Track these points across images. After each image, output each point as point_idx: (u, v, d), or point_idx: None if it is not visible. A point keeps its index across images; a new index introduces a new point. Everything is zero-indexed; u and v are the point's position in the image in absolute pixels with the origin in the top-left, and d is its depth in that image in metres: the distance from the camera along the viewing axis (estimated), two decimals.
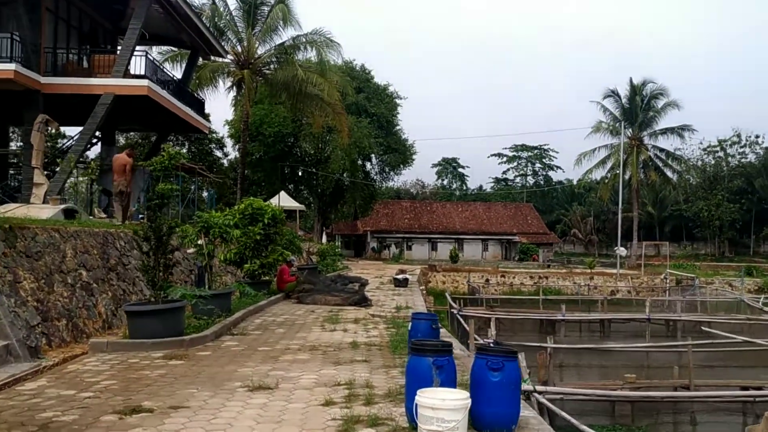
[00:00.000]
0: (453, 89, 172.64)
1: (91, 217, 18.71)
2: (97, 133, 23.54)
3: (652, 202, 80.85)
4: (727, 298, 34.75)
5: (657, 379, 16.50)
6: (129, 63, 21.42)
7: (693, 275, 40.97)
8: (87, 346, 9.73)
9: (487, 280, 40.35)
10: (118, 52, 22.51)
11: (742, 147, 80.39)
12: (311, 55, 36.23)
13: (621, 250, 44.41)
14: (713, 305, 32.36)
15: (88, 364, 8.73)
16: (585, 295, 36.91)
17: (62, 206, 16.99)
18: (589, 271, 46.79)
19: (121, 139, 43.13)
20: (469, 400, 5.08)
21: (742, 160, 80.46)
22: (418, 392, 5.13)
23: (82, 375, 8.01)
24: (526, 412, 6.09)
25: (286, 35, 36.11)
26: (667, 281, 41.08)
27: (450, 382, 5.61)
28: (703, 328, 20.33)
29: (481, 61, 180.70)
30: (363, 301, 17.18)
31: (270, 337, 11.41)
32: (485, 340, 15.48)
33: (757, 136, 79.81)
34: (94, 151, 27.52)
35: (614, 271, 45.03)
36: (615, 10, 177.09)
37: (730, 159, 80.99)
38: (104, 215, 19.64)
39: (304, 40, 35.25)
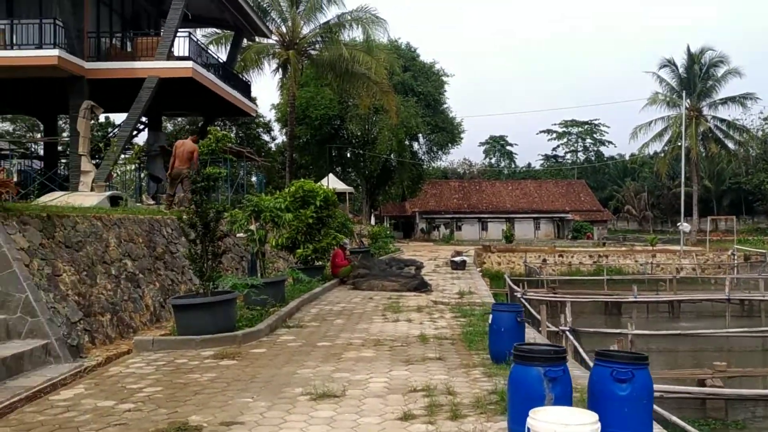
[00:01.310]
0: (495, 66, 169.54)
1: (138, 204, 18.15)
2: (143, 119, 23.03)
3: (708, 175, 77.55)
4: None
5: (743, 366, 15.08)
6: (172, 45, 20.73)
7: (764, 251, 38.67)
8: (132, 344, 8.93)
9: (545, 260, 38.76)
10: (162, 34, 21.85)
11: None
12: (357, 33, 35.32)
13: (685, 226, 42.11)
14: None
15: (131, 365, 7.87)
16: (650, 274, 35.07)
17: (108, 193, 16.44)
18: (650, 248, 44.77)
19: (169, 125, 42.88)
20: (599, 425, 3.95)
21: None
22: (531, 413, 4.02)
23: (124, 380, 7.13)
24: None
25: (330, 13, 35.27)
26: (735, 258, 38.91)
27: (566, 397, 4.49)
28: None
29: (528, 35, 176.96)
30: (422, 287, 16.14)
31: (329, 329, 10.44)
32: (560, 327, 14.41)
33: None
34: (142, 138, 27.09)
35: (677, 248, 42.74)
36: None
37: None
38: (152, 202, 19.08)
39: (349, 17, 34.26)
